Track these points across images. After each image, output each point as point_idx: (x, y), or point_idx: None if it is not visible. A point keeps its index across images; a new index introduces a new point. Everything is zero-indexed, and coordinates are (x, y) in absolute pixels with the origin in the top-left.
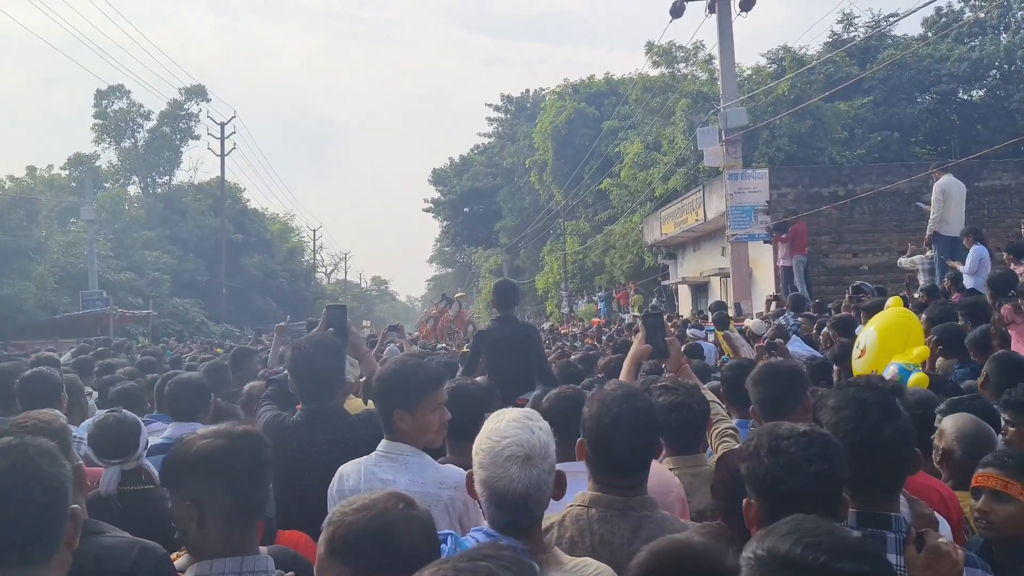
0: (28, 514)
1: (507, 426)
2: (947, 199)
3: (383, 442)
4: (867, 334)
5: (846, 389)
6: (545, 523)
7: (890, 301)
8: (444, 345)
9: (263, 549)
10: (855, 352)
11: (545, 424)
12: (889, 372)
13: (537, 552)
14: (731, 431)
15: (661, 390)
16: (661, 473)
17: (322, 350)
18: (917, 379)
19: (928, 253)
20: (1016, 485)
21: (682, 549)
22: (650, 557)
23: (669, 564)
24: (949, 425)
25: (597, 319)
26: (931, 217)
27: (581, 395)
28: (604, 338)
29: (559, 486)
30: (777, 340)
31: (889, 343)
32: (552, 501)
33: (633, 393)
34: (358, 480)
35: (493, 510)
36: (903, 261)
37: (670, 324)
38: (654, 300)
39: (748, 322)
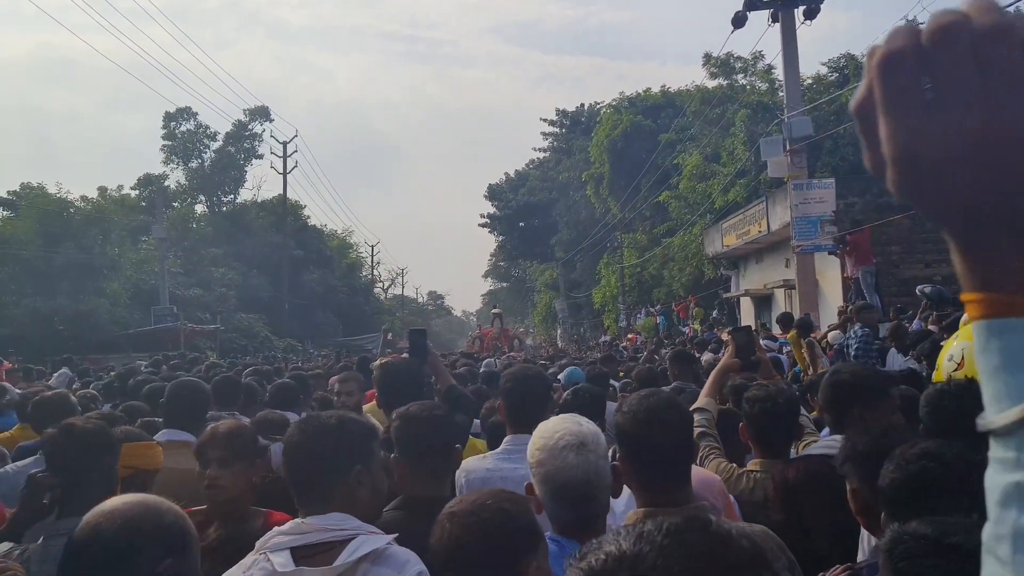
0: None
1: (556, 423)
2: None
3: (508, 437)
4: (962, 345)
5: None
6: None
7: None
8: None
9: None
10: (949, 365)
11: (589, 421)
12: None
13: None
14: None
15: (754, 386)
16: (697, 471)
17: (407, 371)
18: None
19: None
20: None
21: None
22: None
23: None
24: None
25: (633, 335)
26: None
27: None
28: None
29: (616, 479)
30: None
31: None
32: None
33: (656, 391)
34: (481, 474)
35: (556, 505)
36: None
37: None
38: (715, 313)
39: (830, 335)
